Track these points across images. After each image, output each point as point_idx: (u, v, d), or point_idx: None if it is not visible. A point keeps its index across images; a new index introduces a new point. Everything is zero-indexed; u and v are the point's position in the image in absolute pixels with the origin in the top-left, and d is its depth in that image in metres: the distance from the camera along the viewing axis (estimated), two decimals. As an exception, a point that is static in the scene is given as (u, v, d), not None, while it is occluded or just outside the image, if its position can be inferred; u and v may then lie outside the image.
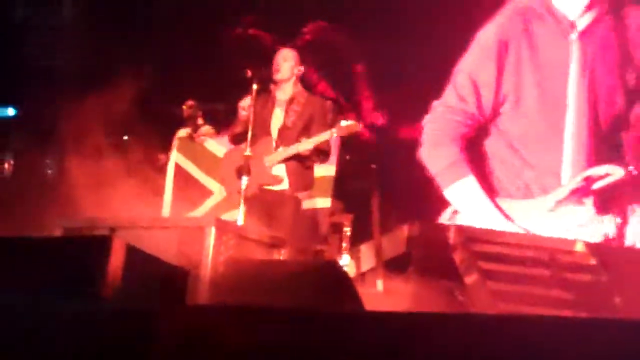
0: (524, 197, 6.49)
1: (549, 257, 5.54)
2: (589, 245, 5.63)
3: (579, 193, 6.30)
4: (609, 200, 6.34)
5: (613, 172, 6.30)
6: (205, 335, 3.47)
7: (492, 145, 6.67)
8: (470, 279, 5.61)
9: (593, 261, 5.39)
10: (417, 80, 8.38)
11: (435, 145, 6.60)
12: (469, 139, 6.59)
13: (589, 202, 6.35)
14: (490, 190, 6.49)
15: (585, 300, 4.95)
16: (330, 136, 6.75)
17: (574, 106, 6.39)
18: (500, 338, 3.16)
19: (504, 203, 6.50)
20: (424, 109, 6.59)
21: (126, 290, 3.86)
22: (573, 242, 5.83)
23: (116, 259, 3.92)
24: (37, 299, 3.69)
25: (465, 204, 6.52)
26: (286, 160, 6.77)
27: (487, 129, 6.62)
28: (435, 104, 6.69)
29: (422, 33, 9.38)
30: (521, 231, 6.18)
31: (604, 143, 6.43)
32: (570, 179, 6.47)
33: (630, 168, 6.41)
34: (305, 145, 6.69)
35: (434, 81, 6.83)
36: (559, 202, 6.29)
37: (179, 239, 5.11)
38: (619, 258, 5.60)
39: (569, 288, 5.17)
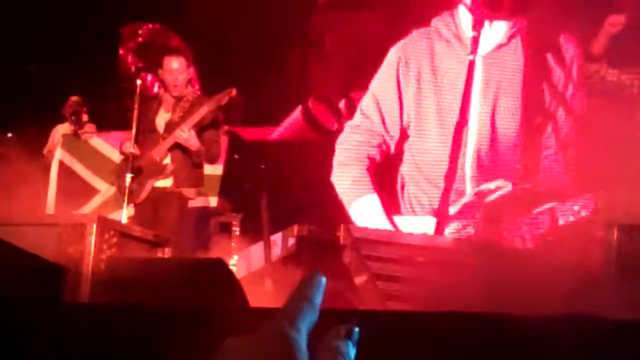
0: (433, 215, 6.54)
1: (438, 256, 5.58)
2: (477, 244, 5.68)
3: (472, 207, 6.37)
4: (498, 214, 6.42)
5: (503, 186, 6.40)
6: (82, 334, 3.38)
7: (404, 165, 6.74)
8: (359, 279, 5.61)
9: (481, 260, 5.44)
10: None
11: (340, 165, 6.68)
12: (376, 158, 6.64)
13: (479, 216, 6.43)
14: (395, 208, 6.53)
15: (469, 296, 4.98)
16: (204, 113, 6.66)
17: (476, 127, 6.47)
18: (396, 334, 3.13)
19: (405, 221, 6.55)
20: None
21: (1, 287, 3.73)
22: (462, 241, 5.89)
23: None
24: None
25: (366, 222, 6.57)
26: (171, 151, 6.68)
27: (401, 149, 6.69)
28: (346, 124, 6.76)
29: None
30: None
31: (501, 161, 6.55)
32: (472, 195, 6.56)
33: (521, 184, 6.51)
34: (185, 132, 6.60)
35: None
36: (452, 218, 6.35)
37: (59, 236, 4.98)
38: (507, 259, 5.67)
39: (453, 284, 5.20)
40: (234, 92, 6.71)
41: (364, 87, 7.11)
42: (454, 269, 5.39)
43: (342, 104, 8.68)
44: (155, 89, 7.93)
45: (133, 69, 10.44)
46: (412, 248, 5.64)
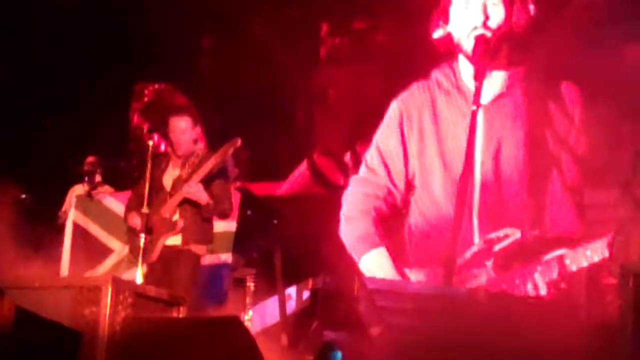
0: (440, 265, 6.52)
1: (452, 307, 5.56)
2: (491, 294, 5.66)
3: (481, 256, 6.35)
4: (508, 261, 6.40)
5: (512, 234, 6.37)
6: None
7: (410, 217, 6.74)
8: (375, 330, 5.60)
9: (496, 311, 5.42)
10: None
11: (347, 221, 6.66)
12: (383, 210, 6.64)
13: (489, 264, 6.41)
14: (404, 260, 6.52)
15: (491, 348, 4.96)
16: (212, 165, 6.65)
17: (480, 176, 6.47)
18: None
19: (413, 273, 6.55)
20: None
21: (16, 354, 3.74)
22: (475, 291, 5.87)
23: (3, 322, 3.79)
24: None
25: (376, 274, 6.57)
26: (180, 207, 6.67)
27: (407, 200, 6.70)
28: (351, 178, 6.78)
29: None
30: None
31: (508, 209, 6.53)
32: (479, 245, 6.54)
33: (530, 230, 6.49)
34: (192, 187, 6.59)
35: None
36: (462, 267, 6.33)
37: (73, 299, 4.98)
38: (520, 307, 5.64)
39: (472, 337, 5.18)
40: (239, 142, 6.69)
41: (368, 139, 7.14)
42: (469, 319, 5.38)
43: (347, 158, 8.69)
44: (162, 148, 7.95)
45: (139, 129, 10.53)
46: (427, 298, 5.63)
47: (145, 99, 10.71)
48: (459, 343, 5.20)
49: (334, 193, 7.83)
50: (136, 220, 6.68)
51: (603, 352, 4.05)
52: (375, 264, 6.57)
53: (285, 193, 8.65)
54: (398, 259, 6.61)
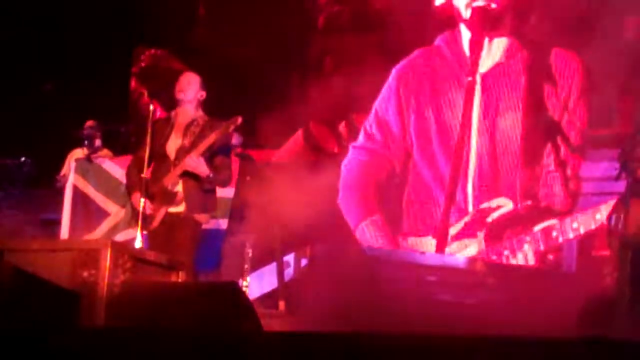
0: (433, 236, 6.52)
1: (451, 276, 5.56)
2: (490, 265, 5.66)
3: (474, 226, 6.34)
4: (500, 232, 6.39)
5: (504, 204, 6.37)
6: (98, 358, 3.38)
7: (408, 185, 6.72)
8: (373, 299, 5.60)
9: (490, 280, 5.42)
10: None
11: (345, 188, 6.67)
12: (381, 178, 6.63)
13: (481, 234, 6.39)
14: (399, 228, 6.52)
15: (483, 317, 4.96)
16: (212, 141, 6.64)
17: (476, 146, 6.46)
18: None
19: (409, 241, 6.54)
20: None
21: (14, 314, 3.74)
22: (474, 261, 5.87)
23: (2, 283, 3.79)
24: None
25: (371, 243, 6.56)
26: (183, 177, 6.67)
27: (405, 169, 6.67)
28: (350, 145, 6.76)
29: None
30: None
31: (502, 179, 6.51)
32: (474, 215, 6.54)
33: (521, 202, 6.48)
34: (194, 160, 6.59)
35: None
36: (454, 237, 6.33)
37: (73, 261, 4.99)
38: (516, 277, 5.64)
39: (465, 305, 5.18)
40: (239, 120, 6.69)
41: (364, 108, 7.08)
42: (467, 290, 5.37)
43: (342, 127, 8.66)
44: (158, 115, 7.87)
45: (137, 93, 10.48)
46: (426, 268, 5.63)
47: (142, 64, 10.65)
48: (458, 312, 5.21)
49: (329, 161, 7.80)
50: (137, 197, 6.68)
51: (598, 322, 4.05)
52: (370, 232, 6.58)
53: (279, 160, 8.60)
54: (394, 227, 6.62)
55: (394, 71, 6.84)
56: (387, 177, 6.72)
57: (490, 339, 3.37)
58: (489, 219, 6.37)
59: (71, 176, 8.41)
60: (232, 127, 6.70)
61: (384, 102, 6.81)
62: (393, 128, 6.72)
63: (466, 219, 6.44)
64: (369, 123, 6.85)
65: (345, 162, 6.89)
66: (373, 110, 6.87)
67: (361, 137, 6.88)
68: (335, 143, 8.62)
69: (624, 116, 7.40)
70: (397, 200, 6.76)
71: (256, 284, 7.77)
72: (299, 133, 8.81)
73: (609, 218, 5.60)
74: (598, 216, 6.05)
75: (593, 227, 6.07)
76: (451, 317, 5.15)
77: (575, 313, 4.40)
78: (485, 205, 6.42)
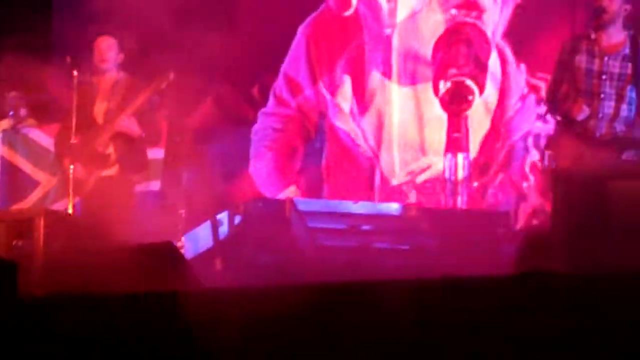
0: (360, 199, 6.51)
1: (384, 224, 5.58)
2: (422, 209, 5.70)
3: (405, 188, 6.34)
4: (429, 193, 6.40)
5: (435, 163, 6.35)
6: (38, 326, 3.35)
7: (327, 150, 6.66)
8: (307, 251, 5.63)
9: (425, 225, 5.46)
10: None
11: (256, 158, 6.56)
12: (295, 144, 6.55)
13: (412, 196, 6.39)
14: (320, 196, 6.46)
15: (419, 263, 5.01)
16: (143, 99, 6.59)
17: (399, 103, 6.40)
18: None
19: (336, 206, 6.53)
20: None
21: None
22: (407, 207, 5.90)
23: None
24: None
25: None
26: (113, 140, 6.62)
27: (322, 131, 6.61)
28: (260, 112, 6.61)
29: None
30: None
31: (428, 137, 6.48)
32: (401, 179, 6.52)
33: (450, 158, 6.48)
34: (124, 120, 6.54)
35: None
36: (383, 201, 6.31)
37: (7, 232, 4.95)
38: (449, 221, 5.69)
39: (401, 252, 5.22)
40: (172, 75, 6.64)
41: (277, 71, 6.84)
42: (402, 236, 5.41)
43: (255, 91, 8.50)
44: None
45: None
46: (359, 217, 5.64)
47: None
48: (392, 260, 5.25)
49: (243, 128, 7.66)
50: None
51: (532, 255, 4.11)
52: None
53: (194, 126, 8.42)
54: (312, 194, 6.57)
55: (300, 30, 6.68)
56: (302, 142, 6.64)
57: (426, 281, 3.40)
58: (418, 180, 6.36)
59: (-2, 148, 8.32)
60: (164, 84, 6.65)
61: (293, 64, 6.66)
62: (305, 90, 6.59)
63: (394, 182, 6.41)
64: (278, 86, 6.70)
65: (255, 130, 6.75)
66: (281, 73, 6.71)
67: (271, 102, 6.73)
68: (250, 109, 8.41)
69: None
70: (317, 166, 6.69)
71: (191, 244, 7.73)
72: (209, 99, 8.58)
73: (542, 157, 5.69)
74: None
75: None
76: (387, 264, 5.19)
77: (512, 251, 4.46)
78: (413, 166, 6.40)
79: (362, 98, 6.49)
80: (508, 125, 6.59)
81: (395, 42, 6.42)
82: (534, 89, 6.69)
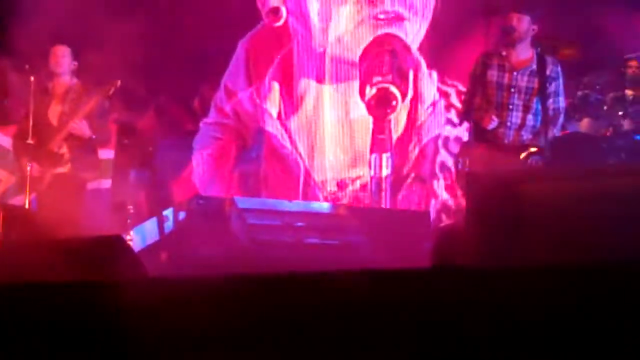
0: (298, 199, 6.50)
1: (317, 221, 5.59)
2: (351, 208, 5.72)
3: (333, 199, 6.35)
4: (358, 197, 6.41)
5: (363, 175, 6.39)
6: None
7: (265, 160, 6.64)
8: (245, 246, 5.61)
9: (353, 222, 5.48)
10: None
11: (198, 166, 6.53)
12: (234, 154, 6.53)
13: (343, 199, 6.40)
14: (265, 194, 6.43)
15: (347, 257, 5.02)
16: (94, 103, 6.61)
17: (331, 116, 6.41)
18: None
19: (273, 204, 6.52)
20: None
21: None
22: (338, 206, 5.93)
23: None
24: None
25: None
26: (67, 140, 6.62)
27: (260, 141, 6.59)
28: (201, 122, 6.59)
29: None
30: None
31: (357, 147, 6.51)
32: (331, 181, 6.51)
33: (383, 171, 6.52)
34: (77, 123, 6.55)
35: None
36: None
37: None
38: (376, 219, 5.71)
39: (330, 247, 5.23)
40: (118, 82, 6.69)
41: (216, 83, 6.84)
42: (331, 232, 5.43)
43: (195, 103, 8.43)
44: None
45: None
46: (294, 214, 5.65)
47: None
48: (322, 254, 5.26)
49: (185, 136, 7.59)
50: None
51: (450, 254, 4.13)
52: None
53: (141, 130, 8.30)
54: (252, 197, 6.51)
55: (241, 44, 6.69)
56: (240, 149, 6.62)
57: (349, 273, 3.39)
58: (349, 189, 6.38)
59: (-42, 148, 8.19)
60: (112, 90, 6.70)
61: (233, 76, 6.66)
62: (244, 102, 6.60)
63: (325, 193, 6.42)
64: (219, 98, 6.71)
65: (196, 140, 6.74)
66: (222, 85, 6.71)
67: (212, 113, 6.74)
68: (190, 120, 8.32)
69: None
70: (255, 174, 6.68)
71: (139, 238, 7.70)
72: (151, 110, 8.44)
73: (456, 161, 5.74)
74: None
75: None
76: (319, 257, 5.20)
77: (429, 247, 4.48)
78: (344, 176, 6.42)
79: (291, 103, 6.49)
80: (420, 129, 6.66)
81: (327, 55, 6.44)
82: (444, 95, 6.77)
